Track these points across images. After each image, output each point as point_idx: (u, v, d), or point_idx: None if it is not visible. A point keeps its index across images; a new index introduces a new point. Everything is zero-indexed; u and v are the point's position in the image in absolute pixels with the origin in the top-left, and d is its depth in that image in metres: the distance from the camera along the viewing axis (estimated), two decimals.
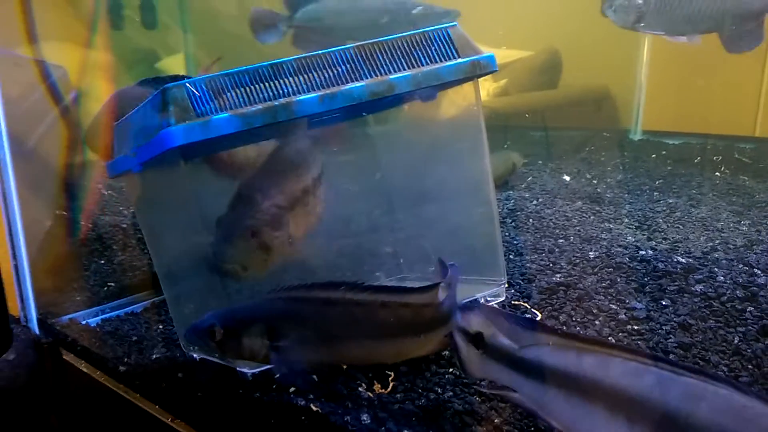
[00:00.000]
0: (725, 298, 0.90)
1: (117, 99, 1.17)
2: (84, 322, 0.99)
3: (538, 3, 2.70)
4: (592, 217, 1.41)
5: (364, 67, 0.74)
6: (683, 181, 1.74)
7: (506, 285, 0.90)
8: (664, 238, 1.27)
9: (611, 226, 1.35)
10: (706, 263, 1.02)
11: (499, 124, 2.68)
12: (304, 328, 0.67)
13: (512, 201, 1.49)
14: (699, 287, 0.94)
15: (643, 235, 1.31)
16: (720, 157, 2.01)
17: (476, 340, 0.62)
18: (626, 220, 1.40)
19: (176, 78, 1.10)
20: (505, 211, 1.41)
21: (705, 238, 1.25)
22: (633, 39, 2.51)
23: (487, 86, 3.11)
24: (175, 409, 0.74)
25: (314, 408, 0.67)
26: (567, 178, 1.84)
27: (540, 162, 2.06)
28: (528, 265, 1.08)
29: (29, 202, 1.13)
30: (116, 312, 1.03)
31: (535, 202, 1.50)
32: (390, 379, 0.72)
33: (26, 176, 1.13)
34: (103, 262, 1.19)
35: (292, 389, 0.70)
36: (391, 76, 0.74)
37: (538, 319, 0.86)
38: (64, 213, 1.37)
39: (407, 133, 0.90)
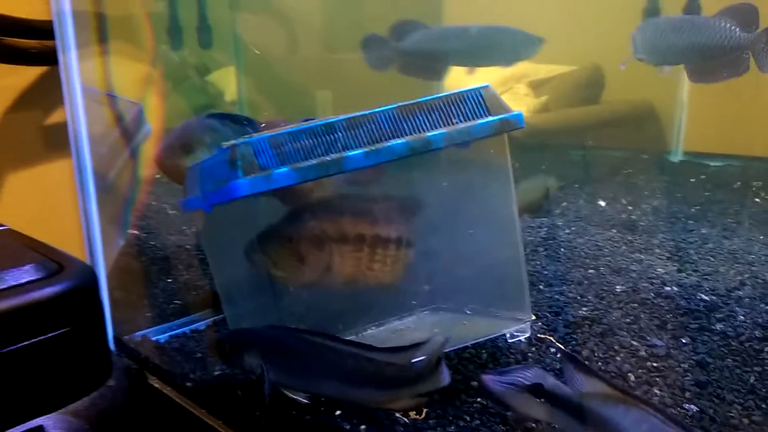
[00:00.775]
0: (744, 337, 0.95)
1: (186, 128, 1.28)
2: (154, 339, 1.11)
3: (581, 18, 2.73)
4: (623, 247, 1.45)
5: (405, 125, 0.84)
6: (720, 209, 1.76)
7: (531, 320, 0.97)
8: (694, 270, 1.31)
9: (642, 256, 1.39)
10: (728, 302, 1.07)
11: (538, 143, 2.70)
12: (288, 359, 0.81)
13: (545, 229, 1.55)
14: (719, 326, 0.99)
15: (674, 266, 1.35)
16: (761, 183, 2.00)
17: (536, 390, 0.70)
18: (657, 251, 1.44)
19: (243, 118, 1.24)
20: (538, 240, 1.47)
21: (734, 272, 1.29)
22: None
23: (528, 102, 3.16)
24: (236, 426, 0.84)
25: (358, 430, 0.76)
26: (602, 203, 1.88)
27: (576, 185, 2.10)
28: (556, 297, 1.15)
29: (106, 223, 1.27)
30: (182, 329, 1.15)
31: (567, 230, 1.55)
32: (424, 403, 0.81)
33: (105, 202, 1.28)
34: (170, 280, 1.32)
35: (338, 412, 0.80)
36: (428, 134, 0.83)
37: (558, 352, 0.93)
38: (135, 232, 1.52)
39: (443, 175, 0.98)
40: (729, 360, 0.91)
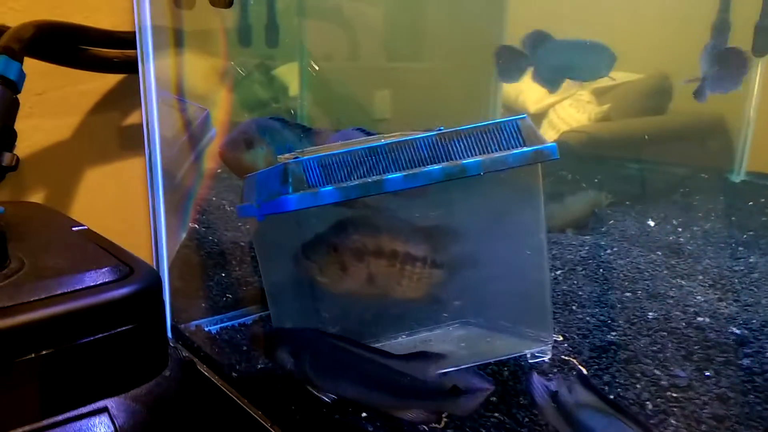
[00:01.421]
0: None
1: (250, 125, 1.35)
2: (207, 329, 1.22)
3: (650, 24, 2.67)
4: (665, 272, 1.45)
5: (442, 152, 0.90)
6: None
7: (553, 342, 1.01)
8: (735, 300, 1.30)
9: (683, 282, 1.39)
10: (760, 336, 1.07)
11: (594, 154, 2.66)
12: (315, 359, 0.89)
13: (587, 247, 1.56)
14: (746, 361, 0.99)
15: (714, 295, 1.34)
16: None
17: (554, 396, 0.77)
18: (700, 277, 1.43)
19: (302, 126, 1.36)
20: (578, 258, 1.49)
21: None
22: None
23: (589, 109, 3.11)
24: (273, 416, 0.93)
25: (372, 430, 0.83)
26: (651, 223, 1.86)
27: (627, 202, 2.07)
28: (587, 318, 1.18)
29: (171, 217, 1.39)
30: (231, 322, 1.26)
31: (609, 251, 1.56)
32: (443, 416, 0.87)
33: (171, 198, 1.40)
34: (223, 275, 1.43)
35: (364, 414, 0.87)
36: (464, 161, 0.89)
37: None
38: (195, 226, 1.64)
39: (479, 197, 1.03)
40: (751, 396, 0.92)
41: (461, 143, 0.90)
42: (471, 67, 2.85)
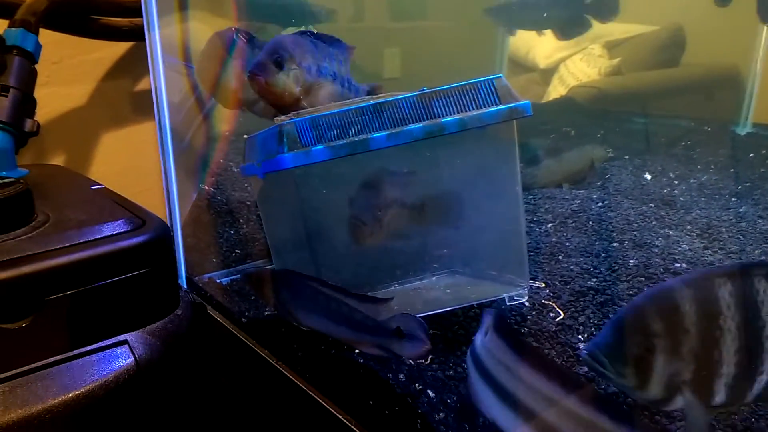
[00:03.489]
0: None
1: (278, 44, 1.20)
2: (218, 281, 1.32)
3: None
4: (654, 222, 1.50)
5: (424, 111, 0.96)
6: None
7: (530, 287, 1.09)
8: (720, 249, 1.36)
9: (670, 232, 1.45)
10: None
11: (600, 108, 2.67)
12: (291, 296, 1.00)
13: (578, 201, 1.62)
14: None
15: (700, 244, 1.39)
16: None
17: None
18: (688, 227, 1.48)
19: (331, 37, 1.27)
20: (569, 212, 1.55)
21: (760, 251, 1.33)
22: (751, 21, 2.39)
23: (600, 63, 3.09)
24: (279, 354, 1.04)
25: (363, 362, 0.93)
26: (648, 176, 1.89)
27: (627, 157, 2.10)
28: (572, 267, 1.25)
29: (183, 178, 1.48)
30: (240, 274, 1.36)
31: (600, 204, 1.62)
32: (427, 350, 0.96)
33: (182, 160, 1.48)
34: (232, 232, 1.53)
35: (356, 351, 0.97)
36: (443, 119, 0.95)
37: (559, 318, 1.05)
38: (206, 187, 1.74)
39: (461, 154, 1.10)
40: None
41: (441, 102, 0.96)
42: (476, 24, 2.85)
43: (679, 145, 2.27)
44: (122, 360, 0.73)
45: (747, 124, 2.46)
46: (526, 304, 1.08)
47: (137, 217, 0.83)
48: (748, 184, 1.79)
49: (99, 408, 0.70)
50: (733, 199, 1.68)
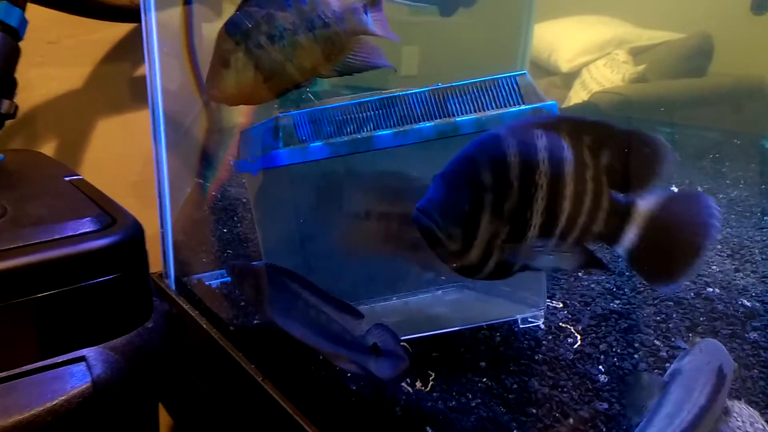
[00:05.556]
0: None
1: (219, 41, 0.99)
2: (208, 283, 1.23)
3: None
4: None
5: (436, 109, 0.86)
6: None
7: (546, 308, 0.98)
8: (753, 272, 1.24)
9: None
10: None
11: (624, 116, 2.57)
12: (274, 293, 0.90)
13: None
14: (753, 335, 0.95)
15: (731, 265, 1.29)
16: None
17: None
18: (719, 247, 1.37)
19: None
20: None
21: None
22: None
23: (624, 70, 2.99)
24: (266, 371, 0.94)
25: (356, 389, 0.83)
26: (675, 189, 1.78)
27: None
28: (592, 286, 1.14)
29: (177, 171, 1.39)
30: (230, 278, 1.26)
31: None
32: (431, 378, 0.86)
33: (177, 150, 1.39)
34: (225, 230, 1.43)
35: (348, 374, 0.87)
36: (458, 118, 0.85)
37: (577, 345, 0.94)
38: (201, 181, 1.64)
39: None
40: (755, 370, 0.88)
41: (456, 100, 0.86)
42: (499, 22, 2.74)
43: (707, 157, 2.16)
44: (76, 380, 0.64)
45: None
46: (542, 327, 0.97)
47: (107, 214, 0.73)
48: None
49: None
50: (766, 218, 1.56)
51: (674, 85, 2.79)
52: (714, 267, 1.26)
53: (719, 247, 1.37)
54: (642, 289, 1.13)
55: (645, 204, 0.71)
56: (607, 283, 1.15)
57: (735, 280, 1.20)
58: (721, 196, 1.73)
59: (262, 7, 0.92)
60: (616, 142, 0.68)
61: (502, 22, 2.83)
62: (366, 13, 0.93)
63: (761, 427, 0.76)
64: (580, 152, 0.66)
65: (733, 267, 1.28)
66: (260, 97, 0.96)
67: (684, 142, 2.40)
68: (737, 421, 0.76)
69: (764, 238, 1.41)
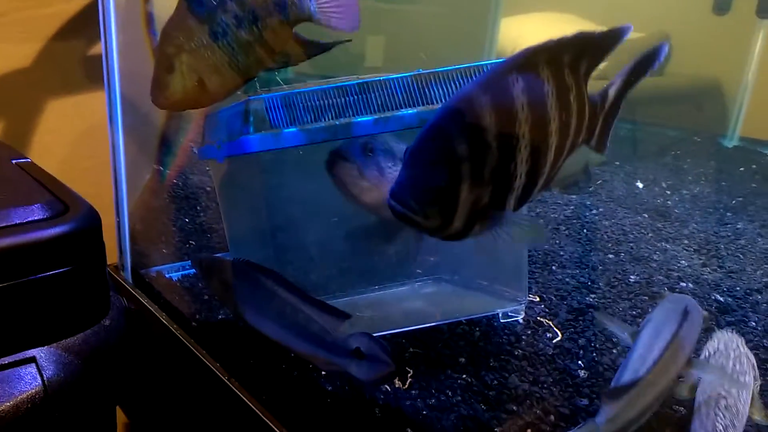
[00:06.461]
0: (750, 345, 0.91)
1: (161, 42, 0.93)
2: (168, 276, 1.16)
3: None
4: (650, 234, 1.41)
5: (419, 95, 0.82)
6: (763, 203, 1.67)
7: (527, 302, 0.97)
8: (719, 267, 1.26)
9: (668, 246, 1.35)
10: (744, 305, 1.03)
11: None
12: (243, 293, 0.85)
13: (572, 207, 1.51)
14: (728, 329, 0.95)
15: (699, 260, 1.30)
16: None
17: None
18: (685, 242, 1.39)
19: None
20: (562, 218, 1.44)
21: (761, 273, 1.23)
22: (745, 31, 2.35)
23: None
24: (232, 369, 0.88)
25: (331, 390, 0.79)
26: (640, 185, 1.81)
27: (617, 163, 2.01)
28: (567, 280, 1.13)
29: (134, 156, 1.31)
30: (193, 270, 1.19)
31: (595, 211, 1.51)
32: (409, 376, 0.83)
33: (135, 134, 1.31)
34: (187, 220, 1.36)
35: (323, 373, 0.82)
36: (441, 106, 0.81)
37: (556, 339, 0.93)
38: (160, 168, 1.56)
39: None
40: None
41: (439, 87, 0.82)
42: (466, 14, 2.72)
43: (669, 154, 2.21)
44: (26, 383, 0.57)
45: (734, 137, 2.42)
46: (521, 321, 0.95)
47: (59, 200, 0.66)
48: (740, 198, 1.72)
49: None
50: (728, 213, 1.60)
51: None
52: (683, 261, 1.27)
53: (686, 241, 1.39)
54: (616, 283, 1.12)
55: (613, 89, 0.70)
56: (581, 277, 1.14)
57: (703, 275, 1.21)
58: (684, 192, 1.76)
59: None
60: (593, 48, 0.65)
61: (470, 15, 2.81)
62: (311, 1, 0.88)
63: (737, 347, 0.81)
64: (561, 77, 0.62)
65: (701, 262, 1.29)
66: (209, 98, 0.87)
67: (646, 139, 2.44)
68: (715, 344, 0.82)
69: (728, 234, 1.43)
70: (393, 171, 0.81)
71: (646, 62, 0.69)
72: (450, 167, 0.58)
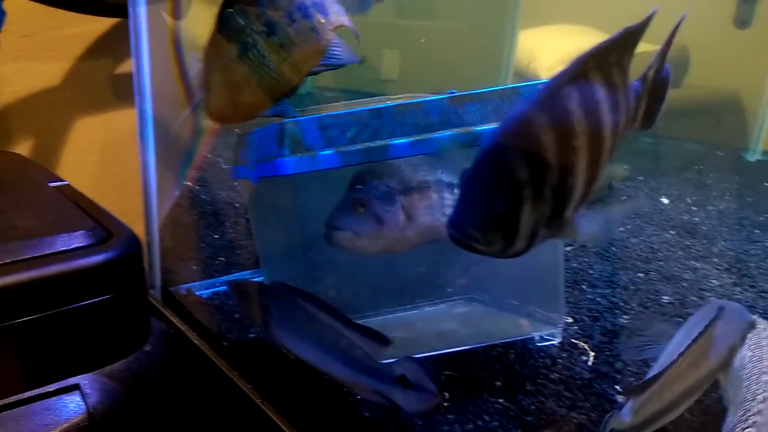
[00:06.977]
0: None
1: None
2: (198, 294, 1.16)
3: None
4: (679, 252, 1.39)
5: (455, 117, 0.82)
6: None
7: (564, 324, 0.95)
8: (751, 286, 1.24)
9: (697, 264, 1.33)
10: None
11: None
12: (281, 318, 0.84)
13: None
14: None
15: (730, 279, 1.28)
16: None
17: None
18: (715, 260, 1.37)
19: None
20: None
21: None
22: (766, 45, 2.33)
23: None
24: (265, 392, 0.88)
25: (369, 416, 0.78)
26: (665, 201, 1.79)
27: (641, 178, 2.00)
28: (598, 299, 1.12)
29: (164, 175, 1.32)
30: (224, 287, 1.19)
31: (622, 228, 1.49)
32: (445, 399, 0.81)
33: (164, 153, 1.32)
34: (216, 236, 1.36)
35: (358, 396, 0.81)
36: (478, 128, 0.81)
37: (591, 362, 0.91)
38: (190, 183, 1.57)
39: None
40: None
41: (475, 108, 0.82)
42: (483, 28, 2.73)
43: (692, 168, 2.19)
44: (70, 410, 0.57)
45: (757, 150, 2.39)
46: (556, 344, 0.94)
47: (101, 226, 0.66)
48: (767, 215, 1.69)
49: None
50: (757, 231, 1.57)
51: None
52: (714, 281, 1.25)
53: (716, 260, 1.37)
54: (649, 303, 1.11)
55: (652, 71, 0.69)
56: (612, 297, 1.13)
57: (736, 294, 1.19)
58: (710, 208, 1.74)
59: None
60: (633, 40, 0.64)
61: (487, 28, 2.82)
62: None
63: None
64: (610, 79, 0.61)
65: (732, 281, 1.27)
66: (260, 107, 0.88)
67: (667, 153, 2.42)
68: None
69: (759, 252, 1.41)
70: (394, 211, 0.82)
71: (673, 35, 0.70)
72: (511, 192, 0.58)
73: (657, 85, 0.71)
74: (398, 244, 0.84)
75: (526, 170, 0.57)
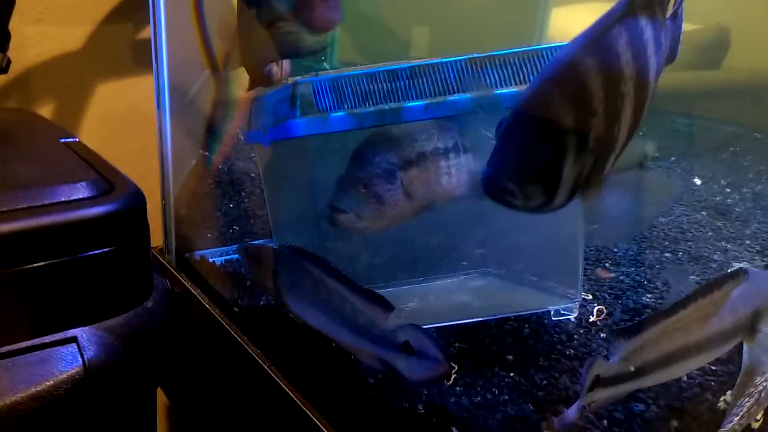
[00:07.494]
0: None
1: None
2: (211, 260, 1.15)
3: None
4: (710, 233, 1.33)
5: (473, 79, 0.78)
6: None
7: (581, 300, 0.92)
8: None
9: (728, 246, 1.27)
10: None
11: None
12: (290, 283, 0.82)
13: None
14: None
15: (762, 262, 1.22)
16: None
17: None
18: (747, 242, 1.31)
19: None
20: None
21: None
22: None
23: None
24: (273, 357, 0.87)
25: (374, 383, 0.76)
26: (698, 181, 1.72)
27: (673, 158, 1.93)
28: (622, 278, 1.07)
29: (181, 141, 1.31)
30: (237, 255, 1.19)
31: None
32: (454, 371, 0.79)
33: (181, 119, 1.31)
34: (231, 205, 1.36)
35: (365, 367, 0.80)
36: (498, 91, 0.77)
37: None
38: (206, 153, 1.56)
39: None
40: None
41: (495, 71, 0.78)
42: (514, 5, 2.65)
43: (728, 150, 2.10)
44: (66, 362, 0.57)
45: None
46: (572, 319, 0.90)
47: (105, 180, 0.65)
48: None
49: (29, 423, 0.54)
50: None
51: (688, 77, 2.71)
52: (745, 263, 1.20)
53: (748, 242, 1.31)
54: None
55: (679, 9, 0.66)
56: (636, 275, 1.08)
57: None
58: (745, 190, 1.66)
59: None
60: None
61: (519, 5, 2.73)
62: None
63: None
64: (655, 18, 0.57)
65: (764, 264, 1.22)
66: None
67: (702, 134, 2.33)
68: None
69: None
70: (395, 189, 0.80)
71: None
72: (554, 142, 0.53)
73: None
74: (397, 219, 0.83)
75: (571, 118, 0.52)
